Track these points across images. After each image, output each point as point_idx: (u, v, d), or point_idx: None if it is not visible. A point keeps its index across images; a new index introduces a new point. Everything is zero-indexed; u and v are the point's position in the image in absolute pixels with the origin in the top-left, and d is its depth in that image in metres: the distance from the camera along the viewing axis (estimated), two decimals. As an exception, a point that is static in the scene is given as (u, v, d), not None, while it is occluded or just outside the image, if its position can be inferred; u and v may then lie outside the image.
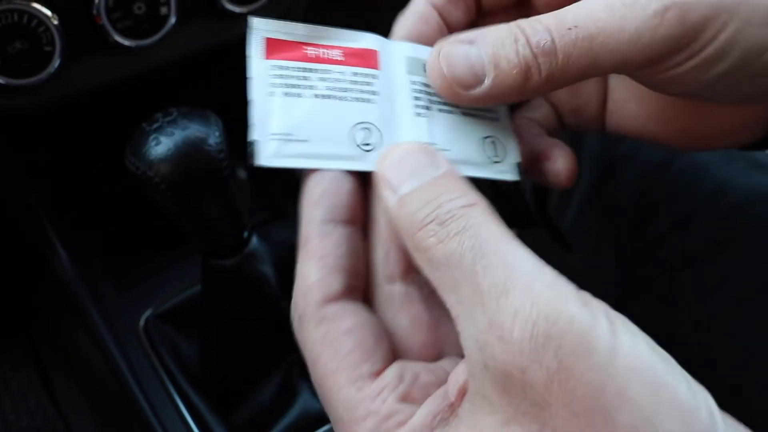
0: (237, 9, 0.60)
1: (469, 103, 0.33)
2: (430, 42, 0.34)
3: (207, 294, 0.56)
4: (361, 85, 0.33)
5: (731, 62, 0.31)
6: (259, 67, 0.32)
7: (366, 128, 0.32)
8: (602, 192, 0.59)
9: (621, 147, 0.58)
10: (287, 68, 0.32)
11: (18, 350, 0.76)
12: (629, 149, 0.57)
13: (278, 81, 0.32)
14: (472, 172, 0.33)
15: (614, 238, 0.58)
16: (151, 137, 0.45)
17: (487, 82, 0.31)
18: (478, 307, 0.25)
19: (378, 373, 0.29)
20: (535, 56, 0.31)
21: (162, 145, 0.45)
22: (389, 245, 0.31)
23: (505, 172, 0.34)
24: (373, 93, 0.33)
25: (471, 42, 0.32)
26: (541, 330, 0.24)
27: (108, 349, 0.61)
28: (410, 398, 0.28)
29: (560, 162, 0.37)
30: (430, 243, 0.27)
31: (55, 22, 0.54)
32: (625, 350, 0.24)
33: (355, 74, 0.33)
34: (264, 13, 0.62)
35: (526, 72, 0.31)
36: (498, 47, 0.31)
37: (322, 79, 0.32)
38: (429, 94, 0.34)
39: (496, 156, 0.34)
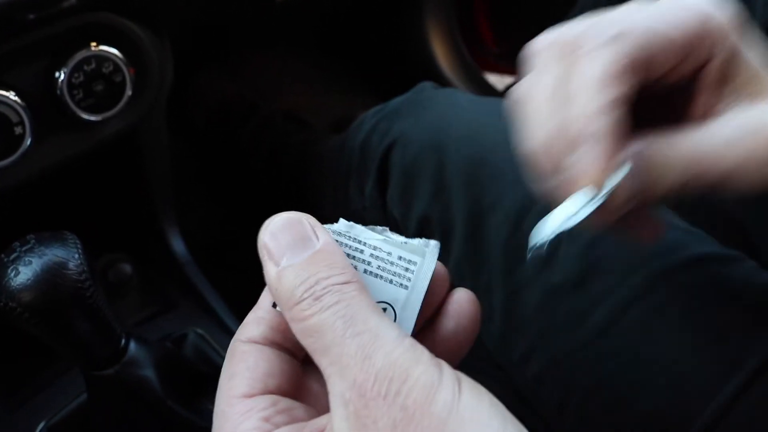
0: (92, 118, 0.61)
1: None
2: None
3: (93, 402, 0.57)
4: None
5: None
6: None
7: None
8: (476, 242, 0.62)
9: (487, 195, 0.62)
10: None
11: None
12: (495, 197, 0.61)
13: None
14: None
15: (486, 286, 0.61)
16: (10, 268, 0.46)
17: None
18: (346, 368, 0.29)
19: (251, 396, 0.33)
20: None
21: (21, 275, 0.46)
22: None
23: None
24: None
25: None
26: (394, 387, 0.28)
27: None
28: (274, 422, 0.32)
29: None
30: (305, 315, 0.30)
31: None
32: (465, 404, 0.28)
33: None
34: (121, 117, 0.63)
35: None
36: None
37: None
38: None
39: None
